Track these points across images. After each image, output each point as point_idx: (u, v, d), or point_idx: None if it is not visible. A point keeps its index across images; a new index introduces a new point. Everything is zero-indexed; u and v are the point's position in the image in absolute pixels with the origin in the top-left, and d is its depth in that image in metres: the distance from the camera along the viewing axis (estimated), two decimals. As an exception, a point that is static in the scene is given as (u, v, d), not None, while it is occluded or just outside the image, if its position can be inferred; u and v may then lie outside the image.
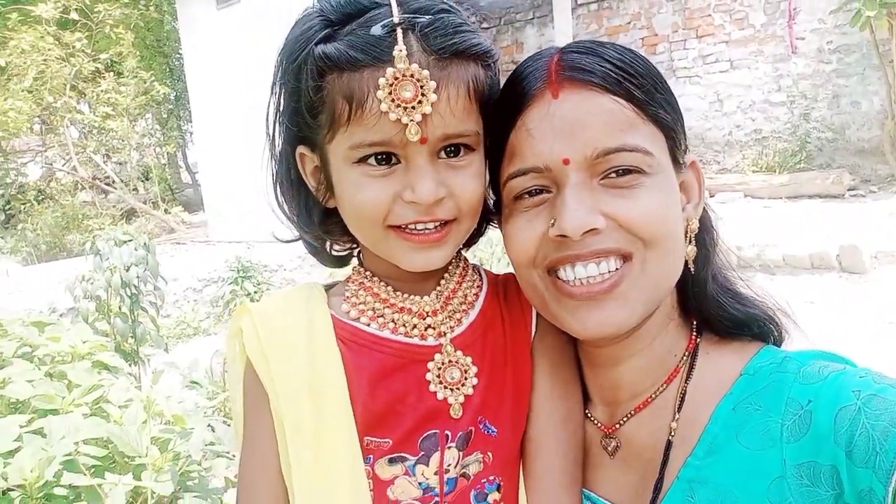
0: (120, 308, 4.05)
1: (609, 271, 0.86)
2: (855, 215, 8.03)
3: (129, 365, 3.45)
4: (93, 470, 1.92)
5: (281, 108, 0.92)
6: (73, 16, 13.23)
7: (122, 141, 15.12)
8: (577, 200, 0.84)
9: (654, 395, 0.96)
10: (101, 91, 14.08)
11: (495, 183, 0.97)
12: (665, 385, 0.96)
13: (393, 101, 0.78)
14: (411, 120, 0.79)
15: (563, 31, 10.24)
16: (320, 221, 0.98)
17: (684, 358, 0.97)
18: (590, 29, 12.35)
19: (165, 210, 15.09)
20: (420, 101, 0.79)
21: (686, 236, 0.94)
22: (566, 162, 0.85)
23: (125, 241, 4.18)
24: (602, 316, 0.87)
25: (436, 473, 0.92)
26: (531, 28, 13.45)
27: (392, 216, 0.86)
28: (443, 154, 0.86)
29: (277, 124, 0.94)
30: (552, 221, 0.87)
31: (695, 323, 0.99)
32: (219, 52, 11.90)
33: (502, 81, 0.95)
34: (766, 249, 6.72)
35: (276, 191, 1.00)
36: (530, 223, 0.91)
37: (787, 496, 0.78)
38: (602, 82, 0.85)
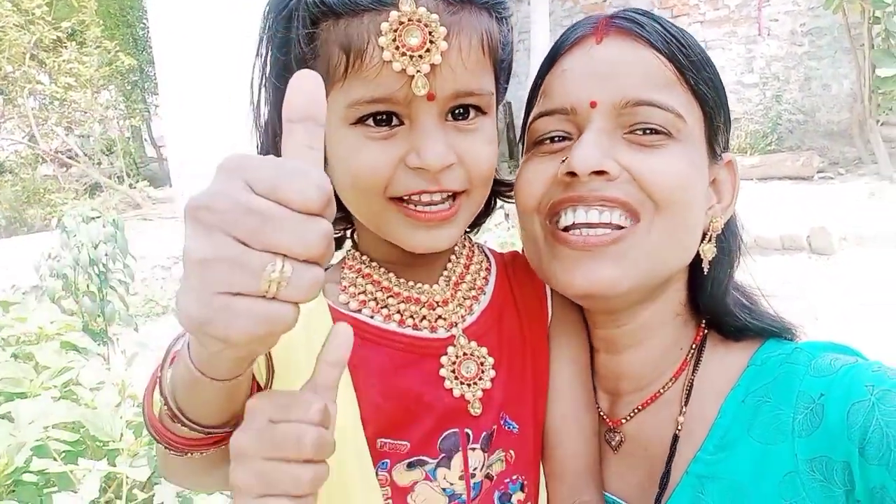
0: (88, 286, 3.93)
1: (611, 223, 0.81)
2: (824, 197, 8.19)
3: (99, 345, 3.35)
4: (64, 456, 1.86)
5: (267, 69, 0.81)
6: (33, -19, 12.72)
7: (85, 113, 14.67)
8: (593, 141, 0.80)
9: (661, 391, 0.93)
10: (63, 61, 13.60)
11: (524, 137, 0.92)
12: (673, 380, 0.93)
13: (397, 48, 0.68)
14: (418, 71, 0.69)
15: (538, 7, 10.14)
16: None
17: (691, 351, 0.93)
18: (566, 6, 12.29)
19: (130, 185, 14.71)
20: (428, 50, 0.69)
21: (707, 234, 0.89)
22: (593, 105, 0.81)
23: (93, 218, 4.04)
24: (594, 270, 0.82)
25: (461, 478, 0.84)
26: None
27: (394, 185, 0.75)
28: (450, 117, 0.76)
29: (263, 89, 0.84)
30: (564, 159, 0.82)
31: (703, 321, 0.96)
32: (187, 21, 11.57)
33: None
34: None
35: None
36: (542, 165, 0.86)
37: (801, 491, 0.76)
38: (648, 36, 0.82)
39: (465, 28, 0.72)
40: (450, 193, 0.78)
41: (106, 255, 3.99)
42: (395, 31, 0.68)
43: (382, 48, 0.69)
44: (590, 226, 0.82)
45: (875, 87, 8.50)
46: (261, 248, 0.48)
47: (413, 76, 0.70)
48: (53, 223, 4.28)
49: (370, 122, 0.74)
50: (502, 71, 0.83)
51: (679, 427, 0.89)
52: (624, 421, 0.96)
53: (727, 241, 0.93)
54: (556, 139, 0.86)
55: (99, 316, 3.98)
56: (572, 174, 0.80)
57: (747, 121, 10.73)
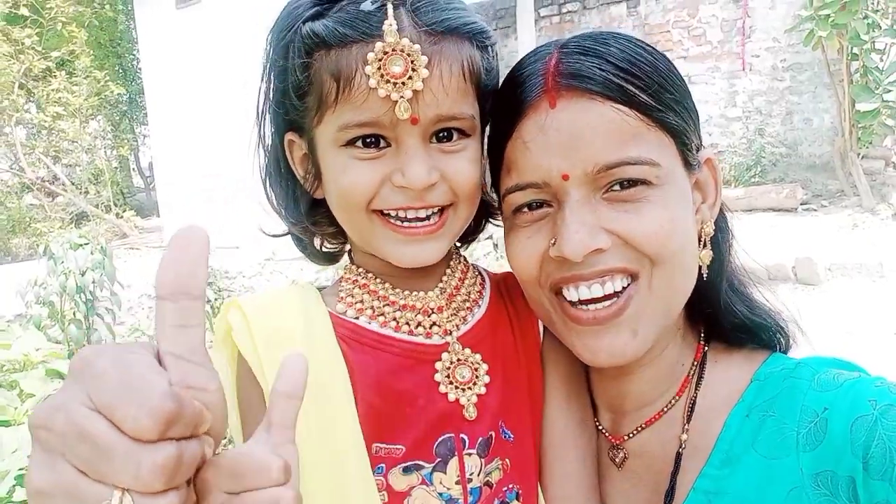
0: (74, 314, 3.89)
1: (615, 291, 0.82)
2: (808, 228, 8.29)
3: (84, 374, 3.30)
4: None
5: (269, 97, 0.87)
6: (24, 11, 12.79)
7: (73, 142, 14.67)
8: (577, 220, 0.79)
9: (665, 409, 0.93)
10: (52, 90, 13.64)
11: (497, 191, 0.92)
12: (676, 398, 0.93)
13: (382, 76, 0.74)
14: (401, 96, 0.75)
15: (525, 43, 10.33)
16: (307, 212, 0.91)
17: (693, 368, 0.93)
18: (552, 39, 12.51)
19: (117, 214, 14.66)
20: (410, 77, 0.74)
21: (700, 240, 0.89)
22: (565, 178, 0.80)
23: (80, 245, 4.01)
24: (611, 343, 0.83)
25: (457, 483, 0.85)
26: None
27: (378, 200, 0.81)
28: (434, 139, 0.81)
29: (266, 113, 0.89)
30: (553, 241, 0.82)
31: (702, 332, 0.96)
32: (177, 52, 11.65)
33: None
34: (734, 260, 6.87)
35: (265, 184, 0.94)
36: (531, 240, 0.86)
37: None
38: (603, 90, 0.79)
39: (446, 56, 0.78)
40: (436, 209, 0.83)
41: (93, 282, 3.96)
42: (380, 60, 0.74)
43: (368, 76, 0.74)
44: (595, 300, 0.83)
45: (855, 121, 8.68)
46: (96, 478, 0.44)
47: (396, 101, 0.75)
48: (39, 252, 4.24)
49: (359, 143, 0.80)
50: (486, 95, 0.87)
51: (682, 444, 0.89)
52: (627, 438, 0.96)
53: (718, 240, 0.94)
54: (535, 206, 0.86)
55: (85, 344, 3.93)
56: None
57: (731, 153, 10.90)
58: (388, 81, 0.74)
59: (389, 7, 0.75)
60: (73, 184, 14.87)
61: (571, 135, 0.80)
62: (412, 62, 0.74)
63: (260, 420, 0.81)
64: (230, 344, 0.86)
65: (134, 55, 17.98)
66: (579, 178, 0.80)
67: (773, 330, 0.94)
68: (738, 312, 0.92)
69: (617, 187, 0.81)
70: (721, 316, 0.93)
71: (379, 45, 0.74)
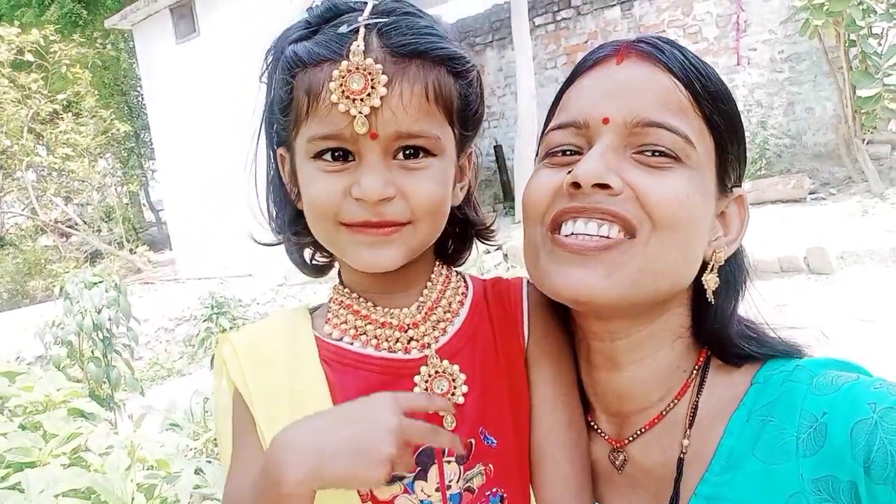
0: (93, 352, 3.94)
1: (608, 237, 0.83)
2: (817, 218, 8.24)
3: (106, 410, 3.34)
4: (77, 523, 1.84)
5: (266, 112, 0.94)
6: (28, 57, 13.01)
7: (83, 182, 14.86)
8: (600, 155, 0.82)
9: (664, 412, 0.93)
10: (60, 132, 13.84)
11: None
12: (676, 401, 0.93)
13: (343, 92, 0.79)
14: (359, 112, 0.79)
15: (522, 52, 10.38)
16: (290, 222, 0.97)
17: (694, 373, 0.93)
18: (548, 49, 12.57)
19: (131, 250, 14.80)
20: (369, 94, 0.79)
21: (709, 264, 0.89)
22: (605, 121, 0.83)
23: (95, 283, 4.07)
24: (585, 276, 0.83)
25: (437, 490, 0.89)
26: (491, 51, 13.63)
27: (343, 213, 0.85)
28: (400, 156, 0.84)
29: (262, 127, 0.96)
30: (569, 170, 0.84)
31: (706, 346, 0.95)
32: (179, 86, 11.81)
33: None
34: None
35: (267, 190, 0.99)
36: (550, 176, 0.89)
37: None
38: (668, 61, 0.85)
39: (408, 77, 0.82)
40: (394, 225, 0.86)
41: (109, 319, 4.01)
42: (343, 77, 0.79)
43: (331, 92, 0.79)
44: (588, 236, 0.84)
45: (857, 107, 8.64)
46: None
47: (355, 116, 0.79)
48: (55, 293, 4.31)
49: (328, 156, 0.84)
50: (462, 120, 0.91)
51: (684, 450, 0.90)
52: (628, 441, 0.96)
53: (733, 273, 0.94)
54: (568, 152, 0.88)
55: (105, 382, 3.98)
56: (576, 185, 0.83)
57: (735, 148, 10.87)
58: (347, 97, 0.79)
59: (361, 30, 0.80)
60: (85, 223, 15.05)
61: (624, 86, 0.85)
62: (372, 80, 0.79)
63: (249, 443, 0.90)
64: (225, 374, 0.94)
65: (138, 92, 18.23)
66: (617, 125, 0.83)
67: (783, 351, 0.91)
68: (746, 347, 0.91)
69: (648, 153, 0.83)
70: (727, 348, 0.92)
71: (344, 63, 0.79)
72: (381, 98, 0.79)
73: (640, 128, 0.82)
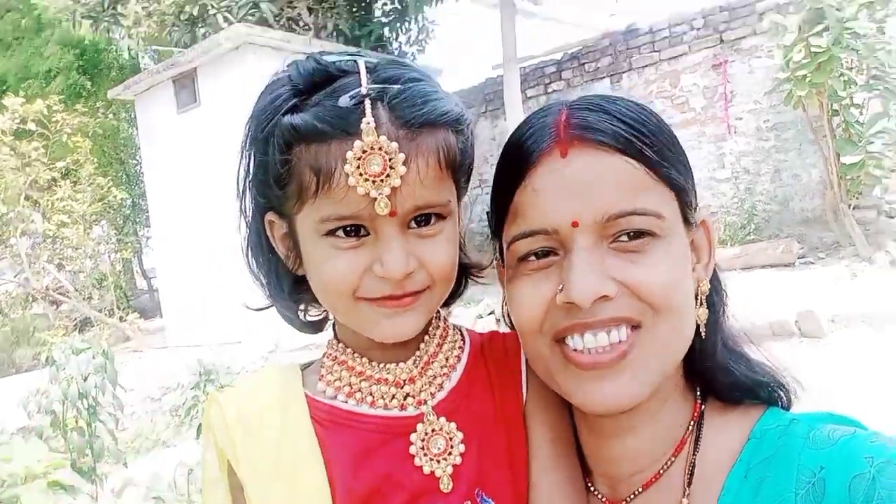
0: (76, 421, 3.86)
1: (619, 340, 0.82)
2: (807, 282, 8.29)
3: (87, 483, 3.25)
4: None
5: (250, 173, 0.90)
6: (31, 126, 13.24)
7: (77, 249, 14.85)
8: (586, 265, 0.80)
9: (662, 471, 0.91)
10: (57, 199, 13.93)
11: (498, 238, 0.94)
12: (673, 459, 0.91)
13: (361, 174, 0.76)
14: (380, 193, 0.76)
15: (515, 122, 10.63)
16: (290, 289, 0.94)
17: (690, 428, 0.92)
18: (539, 118, 12.88)
19: (121, 318, 14.67)
20: (388, 175, 0.76)
21: (697, 298, 0.90)
22: (575, 224, 0.81)
23: (82, 350, 4.03)
24: (610, 389, 0.83)
25: None
26: (485, 120, 13.97)
27: (362, 289, 0.83)
28: (413, 224, 0.83)
29: (247, 187, 0.92)
30: (560, 287, 0.83)
31: (699, 390, 0.95)
32: (178, 154, 11.99)
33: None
34: (728, 320, 6.83)
35: (247, 255, 0.96)
36: (536, 288, 0.86)
37: None
38: (613, 142, 0.82)
39: (422, 150, 0.80)
40: (414, 295, 0.85)
41: (95, 387, 3.94)
42: (359, 159, 0.76)
43: (348, 174, 0.76)
44: (600, 348, 0.83)
45: (842, 173, 8.82)
46: None
47: (376, 198, 0.77)
48: (42, 361, 4.25)
49: (340, 233, 0.82)
50: (462, 175, 0.91)
51: None
52: (625, 502, 0.94)
53: (713, 299, 0.95)
54: (542, 254, 0.87)
55: (87, 452, 3.88)
56: (573, 303, 0.81)
57: (724, 213, 11.03)
58: (367, 179, 0.76)
59: (367, 103, 0.76)
60: (76, 290, 14.96)
61: (582, 183, 0.82)
62: (390, 160, 0.76)
63: None
64: (213, 437, 0.91)
65: (136, 160, 18.48)
66: (589, 226, 0.81)
67: (771, 386, 0.93)
68: (733, 370, 0.92)
69: (624, 238, 0.82)
70: (717, 374, 0.92)
71: (358, 143, 0.75)
72: (402, 177, 0.77)
73: (611, 221, 0.82)
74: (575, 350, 0.84)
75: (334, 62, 0.83)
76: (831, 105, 8.71)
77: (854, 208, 9.14)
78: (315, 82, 0.81)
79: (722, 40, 10.94)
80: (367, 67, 0.81)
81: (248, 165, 0.89)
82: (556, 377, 0.88)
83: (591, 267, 0.80)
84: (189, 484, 3.27)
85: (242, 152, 0.89)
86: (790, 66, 8.53)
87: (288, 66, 0.86)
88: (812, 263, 9.30)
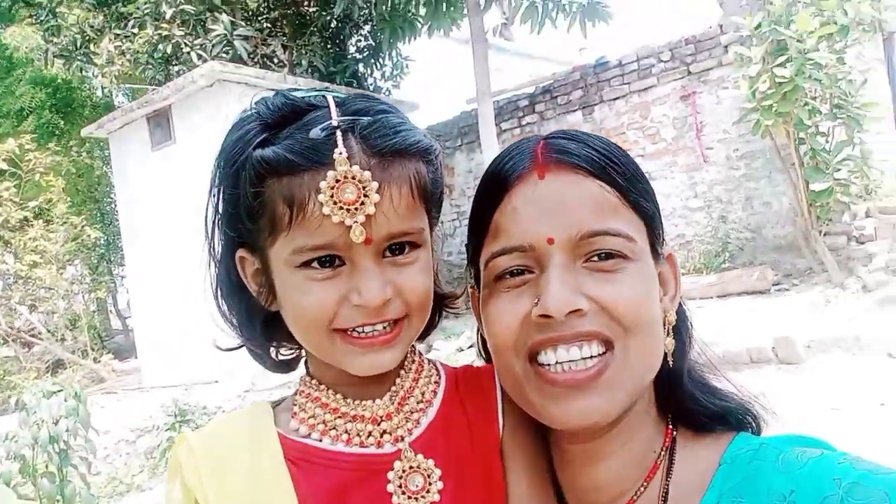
0: (47, 467, 3.75)
1: (591, 356, 0.84)
2: (782, 308, 8.40)
3: (56, 530, 3.15)
4: None
5: (219, 212, 0.89)
6: (2, 166, 13.10)
7: (50, 290, 14.59)
8: (561, 281, 0.83)
9: (635, 497, 0.92)
10: (29, 239, 13.72)
11: (475, 263, 0.96)
12: (645, 484, 0.92)
13: (335, 203, 0.77)
14: (355, 221, 0.77)
15: (490, 154, 10.75)
16: (262, 327, 0.93)
17: (662, 455, 0.93)
18: (515, 151, 13.03)
19: (95, 359, 14.37)
20: (363, 203, 0.77)
21: (665, 328, 0.92)
22: (550, 241, 0.84)
23: (54, 393, 3.94)
24: (585, 405, 0.84)
25: None
26: (460, 154, 14.11)
27: (338, 319, 0.82)
28: (388, 253, 0.84)
29: (216, 227, 0.91)
30: (535, 301, 0.85)
31: (670, 417, 0.97)
32: (153, 192, 11.92)
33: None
34: (706, 348, 6.87)
35: (216, 297, 0.95)
36: (512, 304, 0.88)
37: None
38: (587, 165, 0.87)
39: (395, 179, 0.81)
40: (391, 321, 0.85)
41: (67, 430, 3.85)
42: (333, 188, 0.77)
43: (322, 203, 0.77)
44: (573, 363, 0.85)
45: (811, 200, 9.01)
46: None
47: (351, 226, 0.78)
48: (12, 405, 4.15)
49: (315, 264, 0.82)
50: (433, 205, 0.92)
51: None
52: None
53: (679, 330, 0.97)
54: (516, 272, 0.89)
55: (58, 499, 3.77)
56: (547, 316, 0.83)
57: (698, 242, 11.19)
58: (341, 208, 0.77)
59: (339, 134, 0.78)
60: (49, 331, 14.66)
61: (558, 203, 0.85)
62: (364, 188, 0.77)
63: None
64: (180, 477, 0.87)
65: (111, 198, 18.33)
66: (563, 243, 0.84)
67: (740, 413, 0.95)
68: (700, 399, 0.94)
69: (596, 258, 0.85)
70: (686, 401, 0.95)
71: (331, 173, 0.76)
72: (375, 205, 0.78)
73: (585, 240, 0.85)
74: (548, 365, 0.86)
75: (303, 97, 0.84)
76: (798, 133, 8.92)
77: (825, 234, 9.32)
78: (284, 116, 0.82)
79: (689, 72, 11.21)
80: (335, 101, 0.82)
81: (217, 204, 0.89)
82: (530, 395, 0.89)
83: (565, 282, 0.83)
84: (164, 528, 3.18)
85: (211, 190, 0.89)
86: (756, 96, 8.75)
87: (256, 102, 0.87)
88: (787, 290, 9.44)
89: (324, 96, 0.84)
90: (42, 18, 13.62)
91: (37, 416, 3.88)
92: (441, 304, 1.01)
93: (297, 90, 0.86)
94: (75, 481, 3.89)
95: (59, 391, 4.07)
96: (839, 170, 8.57)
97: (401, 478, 0.87)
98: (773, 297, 9.19)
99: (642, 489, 0.92)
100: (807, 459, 0.79)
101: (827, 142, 8.83)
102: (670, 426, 0.96)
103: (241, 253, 0.89)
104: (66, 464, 3.91)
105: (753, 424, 0.96)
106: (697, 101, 11.14)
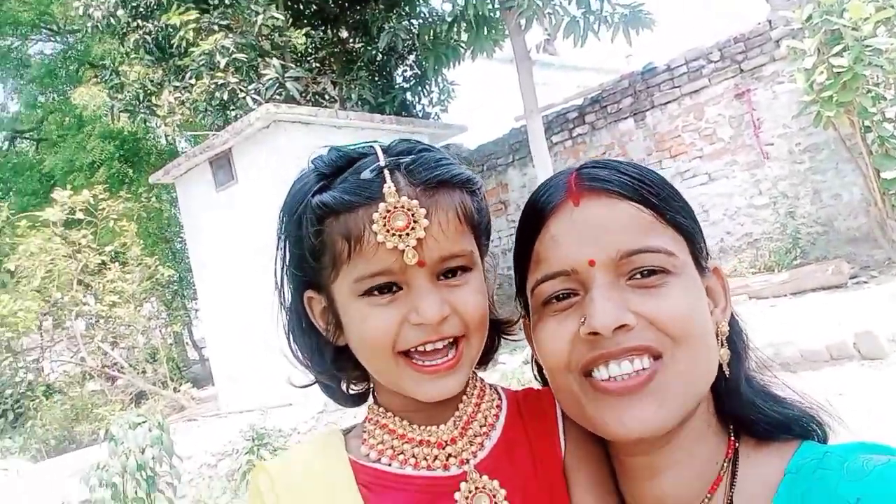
0: (136, 493, 3.93)
1: (643, 368, 0.86)
2: (862, 302, 8.01)
3: (149, 552, 3.30)
4: None
5: (286, 260, 0.97)
6: (79, 215, 13.85)
7: (129, 326, 15.28)
8: (605, 298, 0.86)
9: None
10: (107, 281, 14.43)
11: (522, 294, 1.00)
12: (709, 496, 0.92)
13: (388, 230, 0.84)
14: (407, 245, 0.84)
15: (543, 168, 10.74)
16: (332, 360, 0.99)
17: (725, 465, 0.93)
18: (568, 163, 12.91)
19: (175, 389, 14.93)
20: (413, 228, 0.84)
21: (718, 339, 0.94)
22: (592, 263, 0.87)
23: (139, 424, 4.13)
24: (641, 413, 0.86)
25: None
26: (513, 170, 14.12)
27: (400, 341, 0.88)
28: (441, 278, 0.90)
29: (285, 276, 1.00)
30: (583, 320, 0.87)
31: (732, 427, 0.97)
32: (219, 230, 12.36)
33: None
34: (781, 347, 6.63)
35: (288, 340, 1.03)
36: (561, 325, 0.91)
37: None
38: (620, 189, 0.90)
39: (441, 206, 0.88)
40: (450, 339, 0.91)
41: (153, 458, 4.03)
42: (385, 217, 0.84)
43: (376, 233, 0.84)
44: (626, 376, 0.87)
45: (884, 188, 8.63)
46: None
47: (403, 250, 0.84)
48: (101, 436, 4.37)
49: (375, 292, 0.88)
50: (482, 232, 0.99)
51: None
52: None
53: (734, 341, 0.98)
54: (562, 297, 0.92)
55: (148, 523, 3.94)
56: (595, 333, 0.86)
57: (767, 240, 10.83)
58: (393, 234, 0.84)
59: (386, 173, 0.86)
60: (131, 366, 15.31)
61: (596, 226, 0.89)
62: (412, 215, 0.84)
63: None
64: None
65: (181, 238, 19.14)
66: (604, 264, 0.87)
67: (803, 421, 0.94)
68: (762, 407, 0.94)
69: (638, 275, 0.88)
70: (747, 411, 0.95)
71: (382, 205, 0.84)
72: (425, 229, 0.85)
73: (625, 259, 0.88)
74: (603, 380, 0.88)
75: (353, 148, 0.92)
76: (863, 122, 8.58)
77: (901, 223, 8.89)
78: (338, 167, 0.90)
79: (742, 70, 10.96)
80: (382, 148, 0.91)
81: (284, 254, 0.98)
82: (586, 408, 0.91)
83: (610, 298, 0.86)
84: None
85: (277, 243, 0.99)
86: (814, 88, 8.47)
87: (313, 160, 0.96)
88: (865, 283, 9.01)
89: (371, 146, 0.91)
90: (106, 78, 14.45)
91: (124, 446, 4.08)
92: (498, 329, 1.07)
93: (348, 146, 0.95)
94: (163, 505, 4.06)
95: (143, 422, 4.27)
96: (911, 155, 8.19)
97: (467, 498, 0.91)
98: (852, 291, 8.79)
99: (706, 501, 0.92)
100: (873, 466, 0.78)
101: (895, 128, 8.45)
102: (732, 437, 0.96)
103: (308, 294, 0.97)
104: (154, 489, 4.09)
105: (819, 432, 0.94)
106: (753, 97, 10.86)
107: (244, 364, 11.78)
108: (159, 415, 4.66)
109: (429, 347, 0.89)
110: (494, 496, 0.91)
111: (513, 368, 7.98)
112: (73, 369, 15.26)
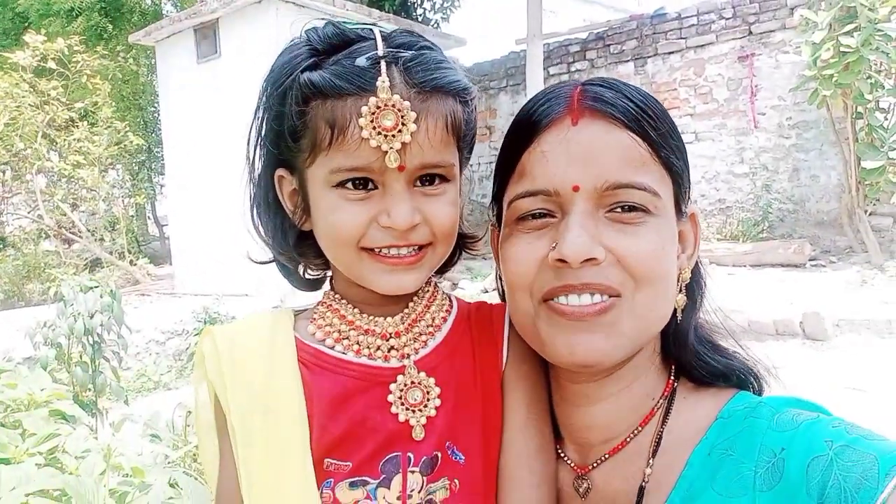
0: (81, 356, 3.93)
1: (602, 301, 0.86)
2: (816, 284, 8.26)
3: (87, 416, 3.32)
4: (45, 523, 1.82)
5: (262, 133, 0.94)
6: (51, 64, 13.21)
7: (91, 190, 14.93)
8: (581, 227, 0.84)
9: (628, 439, 0.95)
10: (74, 139, 13.96)
11: (498, 202, 0.99)
12: (640, 428, 0.95)
13: (374, 128, 0.81)
14: (391, 147, 0.82)
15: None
16: (295, 243, 0.99)
17: (660, 402, 0.96)
18: (561, 97, 12.77)
19: (131, 261, 14.80)
20: (400, 130, 0.82)
21: (678, 284, 0.94)
22: (576, 189, 0.86)
23: (91, 288, 4.08)
24: (589, 342, 0.86)
25: (398, 498, 0.90)
26: (504, 95, 13.87)
27: (366, 239, 0.88)
28: (418, 183, 0.88)
29: (258, 148, 0.96)
30: (553, 245, 0.87)
31: (673, 369, 0.99)
32: (196, 104, 11.98)
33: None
34: (731, 314, 6.82)
35: (252, 213, 1.01)
36: (531, 245, 0.90)
37: None
38: (621, 116, 0.86)
39: (432, 112, 0.85)
40: (416, 247, 0.90)
41: (101, 325, 4.01)
42: (373, 113, 0.81)
43: (362, 127, 0.81)
44: (582, 306, 0.87)
45: (861, 178, 8.74)
46: None
47: (387, 151, 0.82)
48: (51, 296, 4.32)
49: (349, 185, 0.87)
50: (465, 144, 0.96)
51: (646, 478, 0.91)
52: (591, 468, 0.97)
53: (692, 288, 0.99)
54: (538, 215, 0.91)
55: (90, 387, 3.96)
56: (563, 261, 0.85)
57: (738, 209, 10.97)
58: (379, 133, 0.81)
59: (383, 64, 0.82)
60: (89, 231, 15.07)
61: (588, 151, 0.86)
62: (402, 117, 0.81)
63: (228, 448, 0.92)
64: (204, 369, 0.96)
65: (154, 107, 18.49)
66: (588, 192, 0.86)
67: (742, 372, 0.97)
68: (704, 355, 0.96)
69: (619, 209, 0.86)
70: (690, 356, 0.97)
71: (373, 99, 0.81)
72: (412, 134, 0.82)
73: (609, 191, 0.86)
74: (560, 304, 0.88)
75: (352, 28, 0.87)
76: (856, 107, 8.60)
77: (870, 214, 9.08)
78: (333, 45, 0.86)
79: (751, 32, 10.78)
80: (382, 35, 0.86)
81: (261, 125, 0.94)
82: (540, 330, 0.91)
83: (585, 229, 0.84)
84: (186, 426, 3.33)
85: (256, 112, 0.94)
86: (818, 64, 8.42)
87: (307, 31, 0.90)
88: (823, 266, 9.27)
89: (371, 29, 0.87)
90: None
91: (73, 308, 4.04)
92: (462, 242, 1.06)
93: (347, 22, 0.90)
94: (106, 373, 4.07)
95: (95, 287, 4.22)
96: (895, 149, 8.26)
97: (402, 390, 0.92)
98: (808, 272, 9.04)
99: (636, 433, 0.95)
100: (801, 420, 0.81)
101: (886, 119, 8.50)
102: (672, 378, 0.98)
103: (280, 172, 0.95)
104: (99, 356, 4.09)
105: (755, 385, 0.97)
106: (756, 63, 10.73)
107: (204, 247, 11.70)
108: (112, 283, 4.61)
109: (393, 252, 0.89)
110: (428, 392, 0.93)
111: (471, 294, 8.09)
112: (30, 225, 14.97)
